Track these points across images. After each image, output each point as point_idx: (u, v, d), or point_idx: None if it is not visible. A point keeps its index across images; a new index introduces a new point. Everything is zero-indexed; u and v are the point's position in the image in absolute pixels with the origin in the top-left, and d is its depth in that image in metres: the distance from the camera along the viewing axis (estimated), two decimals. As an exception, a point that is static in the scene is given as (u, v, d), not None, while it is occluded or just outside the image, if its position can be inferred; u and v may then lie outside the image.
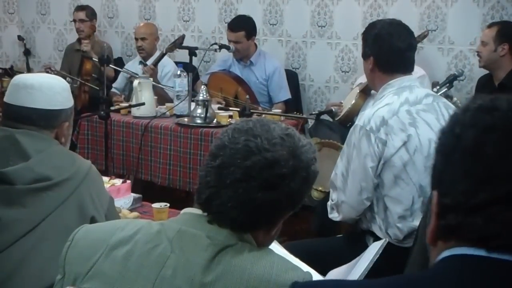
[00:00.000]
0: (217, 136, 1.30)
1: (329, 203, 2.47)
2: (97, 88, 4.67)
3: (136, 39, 4.93)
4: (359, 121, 2.32)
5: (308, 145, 1.29)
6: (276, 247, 1.39)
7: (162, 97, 4.45)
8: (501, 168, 0.87)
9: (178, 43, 4.44)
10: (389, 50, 2.37)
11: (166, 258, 1.23)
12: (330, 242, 2.62)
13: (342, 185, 2.35)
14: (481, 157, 0.88)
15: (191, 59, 4.13)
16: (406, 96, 2.33)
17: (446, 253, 0.91)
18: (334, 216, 2.44)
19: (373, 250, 1.84)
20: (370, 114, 2.28)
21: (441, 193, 0.92)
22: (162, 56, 4.62)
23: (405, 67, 2.41)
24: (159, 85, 4.46)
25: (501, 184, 0.86)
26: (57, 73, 4.72)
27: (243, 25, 4.56)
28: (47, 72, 4.82)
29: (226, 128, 1.30)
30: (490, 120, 0.89)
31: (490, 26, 3.95)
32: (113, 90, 4.92)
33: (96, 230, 1.36)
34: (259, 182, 1.21)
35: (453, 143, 0.92)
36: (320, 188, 2.53)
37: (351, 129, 2.36)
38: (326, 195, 2.53)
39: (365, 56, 2.46)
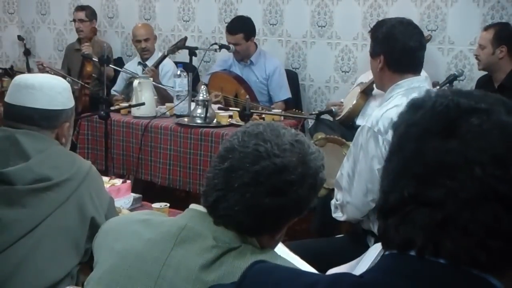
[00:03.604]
0: (226, 138, 1.29)
1: (333, 201, 2.45)
2: (97, 88, 4.68)
3: (139, 41, 4.90)
4: (367, 122, 2.28)
5: (317, 152, 1.29)
6: (278, 246, 1.39)
7: (164, 97, 4.45)
8: (412, 168, 0.82)
9: (180, 45, 4.43)
10: (401, 49, 2.32)
11: (167, 256, 1.23)
12: (331, 242, 2.61)
13: (348, 186, 2.33)
14: (400, 157, 0.85)
15: (191, 59, 4.13)
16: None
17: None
18: (338, 215, 2.42)
19: (375, 251, 1.83)
20: (378, 116, 2.25)
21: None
22: (163, 57, 4.62)
23: (416, 67, 2.38)
24: (160, 85, 4.46)
25: (408, 184, 0.82)
26: (50, 70, 4.72)
27: (241, 27, 4.55)
28: (39, 68, 4.84)
29: (236, 131, 1.29)
30: (413, 118, 0.85)
31: (486, 28, 3.93)
32: (113, 92, 4.92)
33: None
34: (267, 187, 1.21)
35: (391, 141, 0.89)
36: (324, 185, 2.51)
37: (359, 129, 2.32)
38: (329, 192, 2.52)
39: (374, 54, 2.40)
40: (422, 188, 0.81)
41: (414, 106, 0.87)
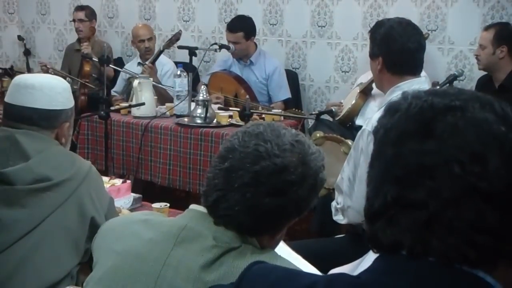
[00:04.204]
0: (227, 138, 1.30)
1: (333, 204, 2.44)
2: (97, 88, 4.67)
3: (143, 40, 4.89)
4: (367, 125, 2.25)
5: (317, 153, 1.29)
6: (280, 245, 1.39)
7: (163, 96, 4.45)
8: (393, 171, 0.83)
9: (174, 40, 4.44)
10: (399, 51, 2.30)
11: (167, 256, 1.23)
12: (331, 242, 2.61)
13: (349, 190, 2.31)
14: (381, 162, 0.85)
15: (191, 59, 4.13)
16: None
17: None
18: (339, 218, 2.40)
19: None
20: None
21: None
22: (159, 53, 4.62)
23: (415, 68, 2.35)
24: (160, 85, 4.46)
25: (391, 188, 0.82)
26: (52, 70, 4.72)
27: (241, 26, 4.55)
28: (43, 69, 4.84)
29: (236, 131, 1.29)
30: (390, 122, 0.86)
31: (487, 28, 3.93)
32: (112, 93, 4.91)
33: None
34: (267, 187, 1.21)
35: (373, 147, 0.90)
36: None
37: (359, 133, 2.30)
38: (329, 192, 2.51)
39: (373, 56, 2.38)
40: (404, 190, 0.81)
41: (390, 110, 0.88)
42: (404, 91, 0.93)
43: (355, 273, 0.91)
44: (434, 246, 0.80)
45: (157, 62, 4.65)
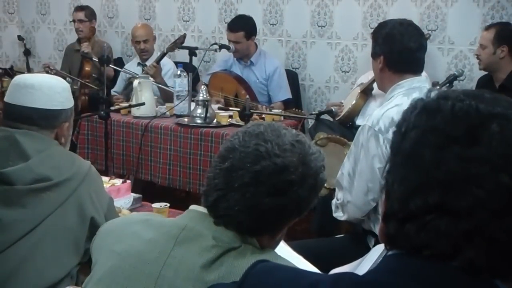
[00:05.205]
0: (227, 138, 1.30)
1: (333, 201, 2.45)
2: (97, 88, 4.68)
3: (138, 41, 4.90)
4: (368, 121, 2.28)
5: (318, 153, 1.29)
6: (281, 245, 1.39)
7: (167, 95, 4.44)
8: (435, 175, 0.80)
9: (179, 43, 4.44)
10: (400, 50, 2.34)
11: (167, 256, 1.23)
12: (331, 242, 2.61)
13: (349, 185, 2.33)
14: (418, 163, 0.82)
15: (191, 59, 4.13)
16: (416, 97, 2.29)
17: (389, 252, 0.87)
18: (339, 215, 2.42)
19: (377, 252, 1.82)
20: (379, 115, 2.26)
21: (386, 195, 0.87)
22: (163, 55, 4.62)
23: (416, 67, 2.38)
24: (160, 86, 4.46)
25: (432, 192, 0.80)
26: (56, 72, 4.72)
27: (242, 26, 4.55)
28: (47, 71, 4.83)
29: (237, 131, 1.29)
30: (430, 123, 0.82)
31: (487, 28, 3.94)
32: (112, 93, 4.91)
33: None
34: (267, 187, 1.21)
35: (397, 142, 0.86)
36: (325, 185, 2.51)
37: (359, 129, 2.33)
38: (330, 192, 2.52)
39: (374, 55, 2.42)
40: (448, 196, 0.79)
41: (428, 109, 0.84)
42: (429, 89, 0.90)
43: (356, 272, 0.90)
44: (467, 255, 0.78)
45: (158, 63, 4.66)
